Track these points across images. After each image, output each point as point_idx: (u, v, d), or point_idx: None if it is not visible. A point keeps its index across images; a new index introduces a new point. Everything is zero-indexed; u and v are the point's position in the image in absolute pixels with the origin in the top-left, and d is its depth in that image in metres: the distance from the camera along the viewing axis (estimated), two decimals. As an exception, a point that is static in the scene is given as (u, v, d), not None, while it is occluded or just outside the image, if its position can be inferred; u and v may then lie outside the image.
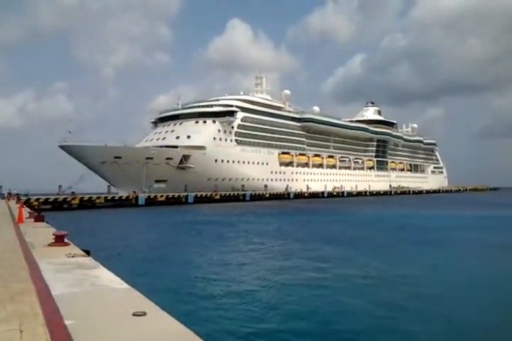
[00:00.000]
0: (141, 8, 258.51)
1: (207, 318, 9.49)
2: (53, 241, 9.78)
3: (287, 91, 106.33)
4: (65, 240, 10.00)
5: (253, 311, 10.19)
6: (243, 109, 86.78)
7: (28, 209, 25.78)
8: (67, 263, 7.49)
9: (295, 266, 16.23)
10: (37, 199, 50.22)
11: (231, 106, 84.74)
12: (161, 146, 74.36)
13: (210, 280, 13.69)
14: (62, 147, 64.55)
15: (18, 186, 57.63)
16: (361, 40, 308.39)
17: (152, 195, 62.64)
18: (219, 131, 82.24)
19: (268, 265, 16.63)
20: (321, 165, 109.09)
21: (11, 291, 5.45)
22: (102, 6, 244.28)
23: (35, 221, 16.85)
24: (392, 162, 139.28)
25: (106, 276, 6.36)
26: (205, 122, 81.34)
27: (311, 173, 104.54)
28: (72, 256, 8.15)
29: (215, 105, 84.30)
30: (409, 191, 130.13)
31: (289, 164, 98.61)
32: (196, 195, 67.05)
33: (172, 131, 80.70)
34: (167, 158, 70.80)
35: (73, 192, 59.07)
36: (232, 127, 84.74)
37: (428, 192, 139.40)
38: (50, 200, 52.56)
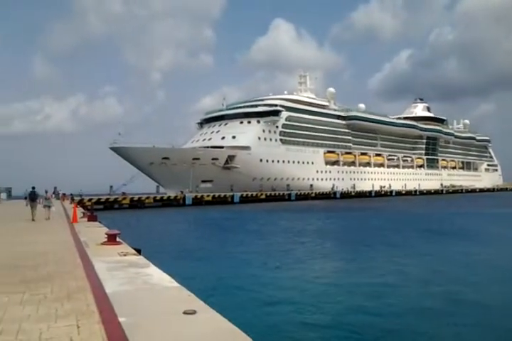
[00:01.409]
0: (184, 12, 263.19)
1: (256, 317, 9.49)
2: (106, 240, 10.11)
3: (332, 89, 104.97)
4: (117, 239, 10.31)
5: (301, 312, 10.11)
6: (287, 109, 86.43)
7: (82, 209, 26.85)
8: (120, 261, 7.71)
9: (341, 268, 15.99)
10: (90, 200, 52.26)
11: (275, 105, 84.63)
12: (207, 147, 75.36)
13: (259, 278, 13.71)
14: (112, 149, 66.80)
15: (71, 187, 60.19)
16: (407, 36, 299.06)
17: (199, 195, 63.64)
18: (263, 130, 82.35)
19: (318, 264, 16.48)
20: (368, 164, 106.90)
21: (67, 289, 5.67)
22: (148, 12, 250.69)
23: (89, 220, 17.51)
24: (443, 160, 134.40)
25: (157, 275, 6.49)
26: (249, 122, 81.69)
27: (357, 172, 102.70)
28: (124, 255, 8.38)
29: (260, 105, 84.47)
30: (462, 190, 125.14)
31: (335, 163, 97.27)
32: (242, 195, 67.51)
33: (217, 131, 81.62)
34: (213, 159, 71.68)
35: (124, 193, 61.01)
36: (277, 127, 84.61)
37: (482, 190, 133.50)
38: (101, 200, 54.54)
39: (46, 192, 25.22)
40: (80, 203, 44.43)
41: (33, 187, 22.14)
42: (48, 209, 20.80)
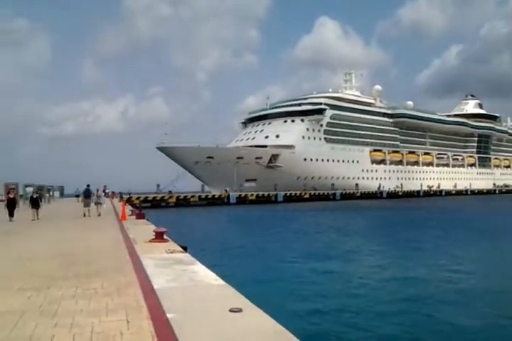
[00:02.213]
0: (229, 12, 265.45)
1: (302, 316, 9.42)
2: (153, 237, 10.34)
3: (378, 87, 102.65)
4: (164, 236, 10.53)
5: (350, 312, 9.94)
6: (332, 107, 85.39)
7: (130, 207, 27.64)
8: (167, 258, 7.86)
9: (387, 266, 15.61)
10: (137, 198, 53.76)
11: (320, 104, 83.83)
12: (251, 146, 75.69)
13: (304, 277, 13.62)
14: (159, 148, 68.49)
15: (119, 186, 62.17)
16: (457, 31, 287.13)
17: (243, 194, 64.08)
18: (307, 129, 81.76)
19: (365, 262, 16.20)
20: (416, 163, 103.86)
21: (117, 284, 5.83)
22: (194, 13, 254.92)
23: (137, 218, 17.99)
24: (496, 158, 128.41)
25: (202, 272, 6.57)
26: (293, 121, 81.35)
27: (405, 171, 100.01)
28: (171, 252, 8.54)
29: (304, 104, 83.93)
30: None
31: (382, 162, 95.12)
32: (286, 194, 67.36)
33: (261, 130, 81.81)
34: (257, 158, 71.93)
35: (170, 191, 62.42)
36: (321, 125, 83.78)
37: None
38: (149, 199, 56.00)
39: (97, 190, 26.32)
40: (128, 201, 45.75)
41: (88, 185, 23.28)
42: (99, 206, 21.80)
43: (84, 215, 20.41)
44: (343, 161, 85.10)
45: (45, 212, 23.46)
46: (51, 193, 43.88)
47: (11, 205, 18.48)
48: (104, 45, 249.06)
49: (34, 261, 7.82)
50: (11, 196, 19.57)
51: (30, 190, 31.14)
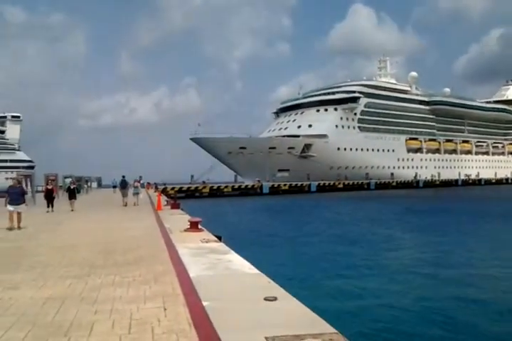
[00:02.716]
0: (262, 1, 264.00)
1: (338, 306, 9.38)
2: (188, 227, 10.48)
3: (414, 74, 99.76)
4: (199, 226, 10.66)
5: (384, 302, 9.83)
6: (366, 95, 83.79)
7: (165, 198, 28.10)
8: (202, 247, 7.96)
9: (423, 258, 15.31)
10: (172, 188, 54.68)
11: (353, 92, 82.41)
12: (283, 136, 75.41)
13: (337, 266, 13.55)
14: (193, 139, 69.19)
15: (154, 176, 63.27)
16: (498, 14, 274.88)
17: (276, 184, 64.08)
18: (341, 118, 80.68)
19: (401, 252, 15.95)
20: (454, 151, 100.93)
21: (154, 272, 5.95)
22: (226, 2, 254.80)
23: (172, 208, 18.28)
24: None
25: (237, 261, 6.61)
26: (326, 110, 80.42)
27: (442, 160, 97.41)
28: (206, 242, 8.63)
29: (337, 92, 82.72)
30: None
31: (418, 150, 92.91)
32: (319, 184, 66.94)
33: (294, 120, 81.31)
34: (289, 148, 71.65)
35: (204, 182, 63.13)
36: (355, 114, 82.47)
37: None
38: (183, 189, 56.90)
39: (134, 181, 27.02)
40: (164, 191, 46.55)
41: (123, 176, 23.99)
42: (136, 196, 22.52)
43: (123, 205, 21.18)
44: (378, 150, 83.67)
45: (83, 202, 24.21)
46: (89, 184, 45.14)
47: (49, 196, 18.60)
48: (139, 37, 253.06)
49: (74, 250, 8.08)
50: (49, 187, 19.63)
51: (69, 181, 32.06)
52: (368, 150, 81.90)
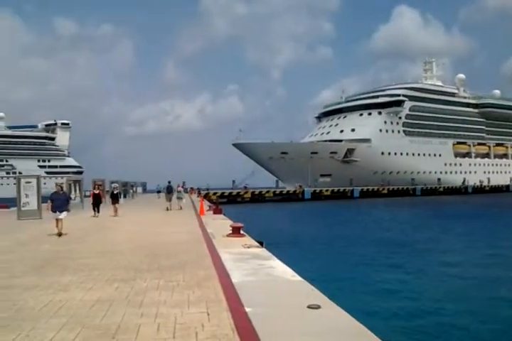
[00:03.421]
0: (303, 7, 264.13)
1: (381, 315, 9.14)
2: (231, 232, 10.56)
3: (461, 76, 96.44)
4: (241, 231, 10.71)
5: (432, 310, 9.49)
6: (411, 98, 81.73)
7: (208, 203, 28.44)
8: (244, 253, 7.98)
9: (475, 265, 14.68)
10: (214, 193, 55.27)
11: (398, 95, 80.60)
12: (325, 141, 74.79)
13: (384, 275, 13.22)
14: (234, 145, 69.83)
15: (197, 181, 64.18)
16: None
17: (318, 190, 63.54)
18: (385, 122, 79.12)
19: (449, 257, 15.40)
20: (505, 156, 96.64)
21: (197, 277, 6.01)
22: (269, 10, 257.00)
23: (214, 213, 18.47)
24: None
25: (279, 267, 6.58)
26: (370, 114, 79.12)
27: (492, 165, 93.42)
28: (248, 247, 8.65)
29: (381, 96, 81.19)
30: None
31: (466, 155, 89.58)
32: (362, 190, 65.81)
33: (336, 124, 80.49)
34: (331, 152, 70.95)
35: (245, 187, 63.48)
36: (400, 117, 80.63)
37: None
38: (225, 194, 57.40)
39: (178, 186, 27.65)
40: (206, 197, 47.13)
41: (169, 182, 24.74)
42: (180, 201, 23.13)
43: (167, 209, 21.70)
44: (424, 155, 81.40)
45: (129, 206, 24.89)
46: (134, 189, 46.30)
47: (96, 201, 18.45)
48: (183, 46, 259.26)
49: (120, 254, 8.29)
50: (96, 192, 19.35)
51: (115, 186, 32.97)
52: (413, 154, 79.83)
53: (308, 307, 4.31)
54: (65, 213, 11.83)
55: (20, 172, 75.88)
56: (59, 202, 11.88)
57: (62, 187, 12.63)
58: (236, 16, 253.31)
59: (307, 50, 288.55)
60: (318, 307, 4.31)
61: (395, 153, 77.21)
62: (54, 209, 11.78)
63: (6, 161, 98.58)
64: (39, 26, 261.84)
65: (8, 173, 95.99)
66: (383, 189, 68.34)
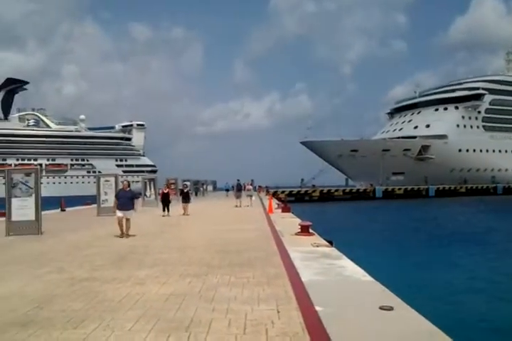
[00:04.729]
0: (375, 1, 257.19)
1: (459, 317, 8.69)
2: (299, 230, 10.51)
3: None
4: (310, 230, 10.62)
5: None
6: (492, 91, 76.59)
7: (276, 201, 28.54)
8: (313, 252, 7.91)
9: None
10: (282, 192, 55.37)
11: (477, 88, 75.90)
12: (398, 137, 72.32)
13: (460, 276, 12.58)
14: (303, 143, 69.47)
15: (266, 180, 64.62)
16: None
17: (390, 188, 61.62)
18: (463, 117, 74.95)
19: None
20: None
21: (267, 275, 6.05)
22: (338, 5, 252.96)
23: (283, 211, 18.48)
24: None
25: (350, 267, 6.45)
26: (446, 109, 75.30)
27: None
28: (317, 246, 8.56)
29: (458, 89, 76.88)
30: None
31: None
32: (438, 188, 62.85)
33: (409, 120, 77.51)
34: (404, 150, 68.46)
35: (313, 185, 62.98)
36: (479, 112, 75.96)
37: None
38: (293, 193, 57.32)
39: (248, 184, 28.22)
40: (274, 195, 47.32)
41: (238, 180, 25.22)
42: (250, 198, 23.91)
43: (236, 206, 22.35)
44: (506, 151, 76.11)
45: (199, 204, 25.61)
46: (205, 187, 47.53)
47: (165, 200, 18.04)
48: (252, 45, 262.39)
49: (193, 250, 8.54)
50: (165, 191, 18.90)
51: (187, 184, 33.99)
52: (493, 151, 74.96)
53: (381, 308, 4.19)
54: (131, 212, 10.99)
55: (99, 172, 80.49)
56: (123, 199, 10.94)
57: (129, 184, 11.59)
58: (305, 14, 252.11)
59: (379, 44, 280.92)
60: (390, 308, 4.18)
61: (474, 150, 72.94)
62: (118, 208, 10.89)
63: (87, 161, 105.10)
64: (115, 32, 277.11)
65: (88, 172, 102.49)
66: (461, 187, 64.87)
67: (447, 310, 9.26)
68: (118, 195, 11.24)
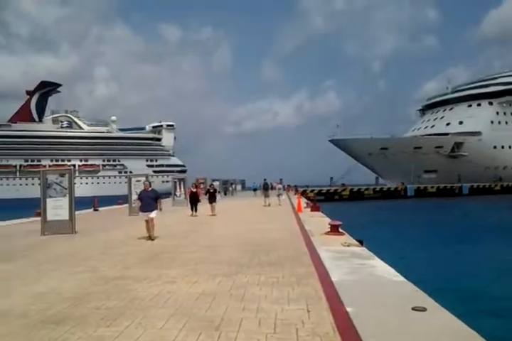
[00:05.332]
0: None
1: (495, 321, 8.44)
2: (329, 230, 10.42)
3: None
4: (340, 230, 10.52)
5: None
6: (529, 85, 74.04)
7: (305, 200, 28.40)
8: (343, 251, 7.83)
9: None
10: (312, 191, 55.06)
11: (511, 83, 73.54)
12: (430, 134, 70.77)
13: (497, 278, 12.20)
14: (331, 141, 68.86)
15: (295, 179, 64.42)
16: None
17: (422, 186, 60.40)
18: (497, 113, 72.68)
19: None
20: None
21: (297, 274, 6.02)
22: (367, 2, 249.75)
23: (312, 210, 18.38)
24: None
25: (381, 267, 6.36)
26: (479, 105, 73.19)
27: None
28: (348, 245, 8.47)
29: (492, 85, 74.56)
30: None
31: None
32: (472, 186, 61.20)
33: (441, 117, 75.70)
34: (436, 147, 66.93)
35: (343, 184, 62.36)
36: (515, 107, 73.58)
37: None
38: (323, 191, 56.90)
39: (277, 183, 28.30)
40: (303, 194, 47.07)
41: (265, 179, 25.38)
42: (279, 197, 23.96)
43: (264, 205, 22.38)
44: (543, 148, 73.36)
45: (229, 203, 25.75)
46: (234, 186, 47.75)
47: (194, 199, 17.88)
48: (280, 44, 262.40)
49: (222, 250, 8.58)
50: (194, 190, 18.64)
51: (216, 184, 34.24)
52: (531, 148, 72.43)
53: (413, 309, 4.12)
54: (154, 213, 10.60)
55: (130, 172, 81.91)
56: (147, 200, 10.62)
57: (150, 184, 11.34)
58: (333, 11, 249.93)
59: (410, 40, 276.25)
60: (424, 309, 4.10)
61: (510, 147, 70.66)
62: (141, 209, 10.73)
63: (119, 161, 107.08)
64: (146, 33, 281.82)
65: (120, 172, 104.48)
66: (495, 185, 62.99)
67: (486, 313, 9.02)
68: (140, 196, 10.95)
